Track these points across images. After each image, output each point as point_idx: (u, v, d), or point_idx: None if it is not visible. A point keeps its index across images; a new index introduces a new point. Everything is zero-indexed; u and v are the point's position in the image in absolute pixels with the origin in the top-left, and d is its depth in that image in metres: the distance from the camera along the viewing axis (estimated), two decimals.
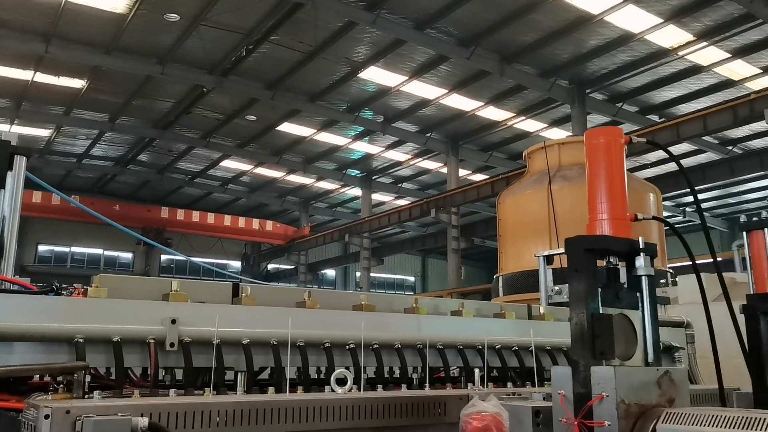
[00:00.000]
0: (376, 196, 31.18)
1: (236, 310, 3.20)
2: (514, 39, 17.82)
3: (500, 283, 8.14)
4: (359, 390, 3.06)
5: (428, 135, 24.36)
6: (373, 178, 29.69)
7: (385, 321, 3.66)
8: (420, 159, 27.17)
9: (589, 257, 2.65)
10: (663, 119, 21.45)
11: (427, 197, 25.83)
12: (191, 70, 19.84)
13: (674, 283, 7.78)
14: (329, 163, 28.47)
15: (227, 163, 28.26)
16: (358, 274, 34.01)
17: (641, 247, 2.77)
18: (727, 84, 19.49)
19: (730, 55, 17.94)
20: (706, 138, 22.01)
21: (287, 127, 24.26)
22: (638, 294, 2.77)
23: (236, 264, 35.70)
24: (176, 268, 33.58)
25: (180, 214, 29.07)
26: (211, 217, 29.37)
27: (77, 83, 20.47)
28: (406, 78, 20.06)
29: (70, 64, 18.97)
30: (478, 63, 18.60)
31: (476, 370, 3.33)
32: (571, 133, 22.33)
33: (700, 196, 27.72)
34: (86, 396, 2.56)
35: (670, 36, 17.17)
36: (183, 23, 17.05)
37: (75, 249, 32.29)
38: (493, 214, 31.47)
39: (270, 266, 37.30)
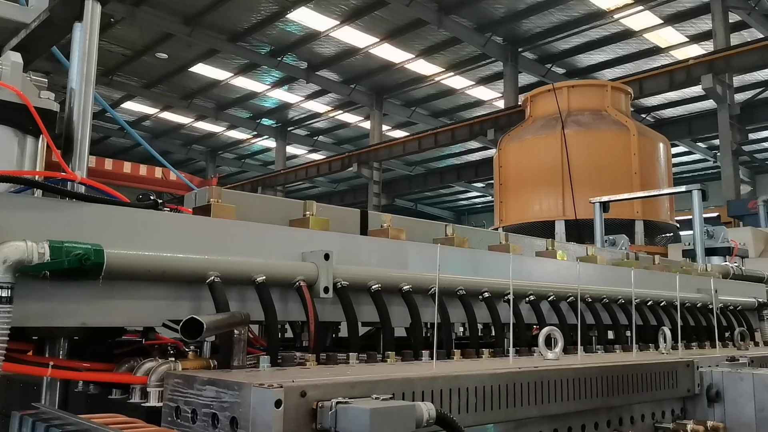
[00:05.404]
0: (290, 149, 29.84)
1: (378, 244, 2.32)
2: None
3: None
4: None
5: (352, 86, 23.37)
6: (289, 129, 28.32)
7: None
8: (340, 111, 26.06)
9: None
10: None
11: (349, 151, 24.87)
12: None
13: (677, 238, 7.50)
14: (243, 111, 26.81)
15: (129, 105, 25.94)
16: None
17: None
18: (654, 51, 19.81)
19: (662, 21, 18.19)
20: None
21: (201, 69, 22.50)
22: None
23: None
24: None
25: None
26: (109, 163, 26.60)
27: None
28: (338, 23, 18.98)
29: None
30: (417, 12, 17.87)
31: (665, 329, 2.68)
32: (500, 93, 22.16)
33: None
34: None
35: None
36: None
37: None
38: (409, 173, 31.24)
39: None
